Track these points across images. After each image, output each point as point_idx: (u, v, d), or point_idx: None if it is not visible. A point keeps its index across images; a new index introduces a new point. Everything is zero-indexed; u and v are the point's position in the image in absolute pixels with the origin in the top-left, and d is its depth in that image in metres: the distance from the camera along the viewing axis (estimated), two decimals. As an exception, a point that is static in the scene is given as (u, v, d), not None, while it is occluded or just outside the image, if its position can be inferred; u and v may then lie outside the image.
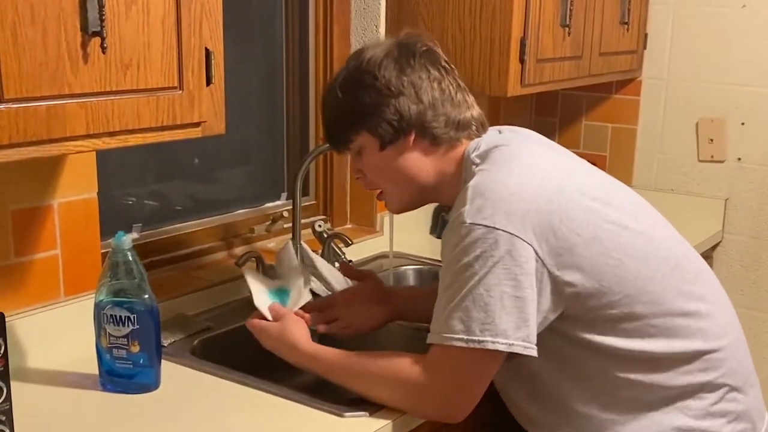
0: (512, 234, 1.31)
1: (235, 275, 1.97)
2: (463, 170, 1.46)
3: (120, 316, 1.46)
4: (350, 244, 2.06)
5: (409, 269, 2.27)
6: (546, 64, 2.29)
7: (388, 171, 1.50)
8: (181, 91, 1.35)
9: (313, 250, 1.98)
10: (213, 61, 1.38)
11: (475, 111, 1.51)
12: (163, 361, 1.53)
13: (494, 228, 1.31)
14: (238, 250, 2.10)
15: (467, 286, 1.32)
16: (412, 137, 1.46)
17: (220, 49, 1.40)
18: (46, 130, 1.18)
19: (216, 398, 1.48)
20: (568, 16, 2.31)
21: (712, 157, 2.79)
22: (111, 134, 1.28)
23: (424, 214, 2.50)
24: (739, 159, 2.75)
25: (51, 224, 1.60)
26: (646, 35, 2.82)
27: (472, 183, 1.38)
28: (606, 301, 1.36)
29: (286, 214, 2.22)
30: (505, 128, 1.55)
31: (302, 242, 1.97)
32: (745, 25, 2.67)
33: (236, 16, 2.08)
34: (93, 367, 1.52)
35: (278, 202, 2.30)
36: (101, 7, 1.20)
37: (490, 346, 1.31)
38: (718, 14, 2.71)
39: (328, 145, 1.61)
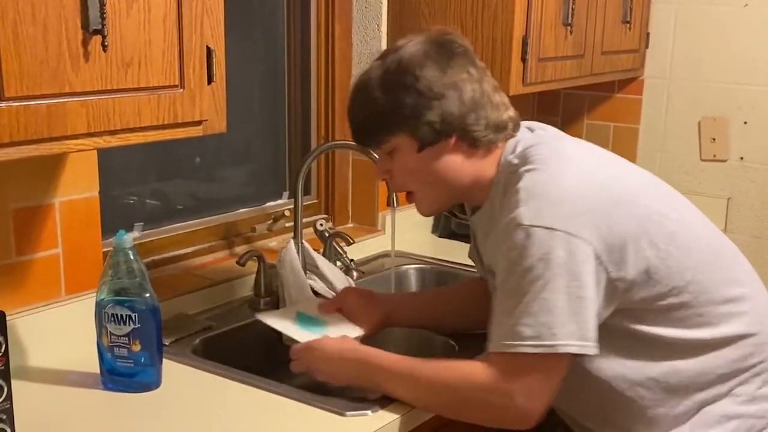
0: (572, 234, 1.29)
1: (235, 275, 1.97)
2: (501, 172, 1.44)
3: (121, 315, 1.45)
4: (352, 243, 2.05)
5: (411, 268, 2.27)
6: (548, 63, 2.29)
7: (423, 173, 1.46)
8: (182, 90, 1.35)
9: (315, 249, 1.97)
10: (214, 60, 1.38)
11: (512, 111, 1.48)
12: (164, 360, 1.53)
13: (554, 229, 1.30)
14: (240, 250, 2.10)
15: (531, 290, 1.30)
16: (453, 140, 1.43)
17: (221, 48, 1.40)
18: (46, 128, 1.18)
19: (217, 397, 1.48)
20: (570, 15, 2.31)
21: (714, 156, 2.79)
22: (112, 133, 1.28)
23: (426, 213, 2.50)
24: (742, 158, 2.75)
25: (52, 223, 1.60)
26: (648, 34, 2.81)
27: (522, 185, 1.35)
28: (656, 294, 1.36)
29: (287, 213, 2.22)
30: (534, 125, 1.53)
31: (304, 241, 1.96)
32: (747, 24, 2.66)
33: (238, 15, 2.08)
34: (94, 366, 1.52)
35: (280, 201, 2.30)
36: (102, 5, 1.19)
37: (562, 350, 1.29)
38: (721, 13, 2.70)
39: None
